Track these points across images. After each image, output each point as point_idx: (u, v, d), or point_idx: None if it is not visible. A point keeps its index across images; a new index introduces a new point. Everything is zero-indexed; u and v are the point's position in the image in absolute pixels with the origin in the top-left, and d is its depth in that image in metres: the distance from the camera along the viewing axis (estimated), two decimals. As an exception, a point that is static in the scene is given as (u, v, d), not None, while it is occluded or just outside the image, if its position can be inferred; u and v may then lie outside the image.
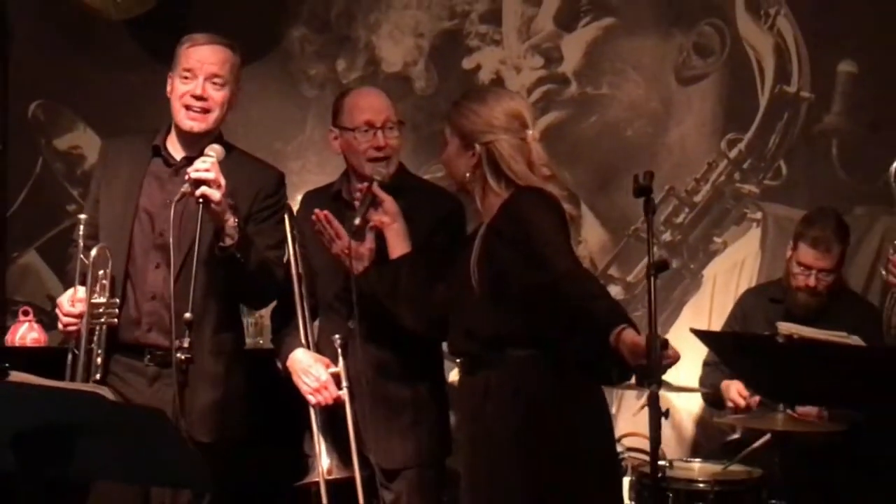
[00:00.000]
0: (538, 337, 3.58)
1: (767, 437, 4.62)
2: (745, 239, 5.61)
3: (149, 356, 3.98)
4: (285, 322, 4.23)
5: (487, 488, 3.62)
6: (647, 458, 4.53)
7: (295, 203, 4.43)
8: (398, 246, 3.81)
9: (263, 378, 4.28)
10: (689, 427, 5.55)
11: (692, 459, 5.04)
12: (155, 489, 3.91)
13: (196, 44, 4.07)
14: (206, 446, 3.81)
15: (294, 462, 4.23)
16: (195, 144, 4.00)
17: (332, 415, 4.10)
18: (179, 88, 4.01)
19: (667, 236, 5.64)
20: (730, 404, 4.87)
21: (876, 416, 4.28)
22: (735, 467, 4.76)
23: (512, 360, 3.59)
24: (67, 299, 3.95)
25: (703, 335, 4.04)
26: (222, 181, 3.78)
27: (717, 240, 5.64)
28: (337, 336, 4.10)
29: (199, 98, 3.99)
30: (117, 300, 3.95)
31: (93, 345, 3.91)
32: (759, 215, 5.59)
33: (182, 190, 3.80)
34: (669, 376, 5.11)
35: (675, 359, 3.45)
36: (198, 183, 3.75)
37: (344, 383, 4.09)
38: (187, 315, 3.71)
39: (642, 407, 3.55)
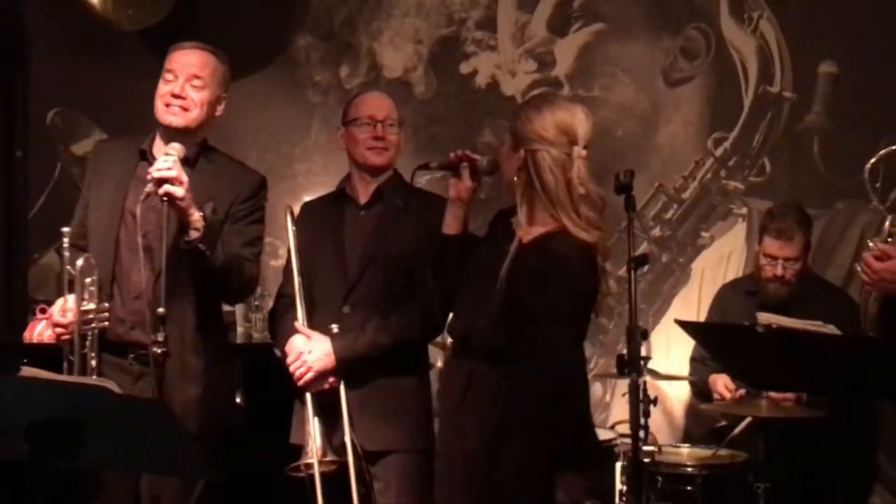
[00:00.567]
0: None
1: (748, 420, 4.63)
2: (731, 233, 5.62)
3: (132, 355, 3.96)
4: (285, 314, 4.22)
5: (459, 477, 3.62)
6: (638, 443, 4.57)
7: (297, 203, 4.46)
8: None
9: (266, 369, 4.30)
10: (679, 414, 5.55)
11: (681, 445, 5.05)
12: (145, 477, 3.90)
13: (181, 48, 4.08)
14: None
15: (283, 453, 4.23)
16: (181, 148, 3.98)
17: (323, 402, 4.08)
18: (161, 89, 4.01)
19: (656, 231, 5.65)
20: (716, 397, 4.88)
21: (850, 401, 4.29)
22: (722, 452, 4.78)
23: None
24: (58, 310, 3.94)
25: (687, 326, 4.04)
26: (184, 177, 3.76)
27: (705, 234, 5.64)
28: (334, 325, 4.09)
29: (178, 97, 3.98)
30: (106, 304, 3.94)
31: (85, 349, 3.88)
32: (744, 210, 5.59)
33: (147, 189, 3.78)
34: (658, 365, 5.17)
35: None
36: (161, 182, 3.73)
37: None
38: (160, 310, 3.71)
39: (624, 395, 3.56)
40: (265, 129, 6.11)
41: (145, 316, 3.89)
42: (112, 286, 3.99)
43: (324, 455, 4.03)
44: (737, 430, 4.74)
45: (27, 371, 3.46)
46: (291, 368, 4.06)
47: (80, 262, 3.90)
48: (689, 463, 4.75)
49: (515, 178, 3.59)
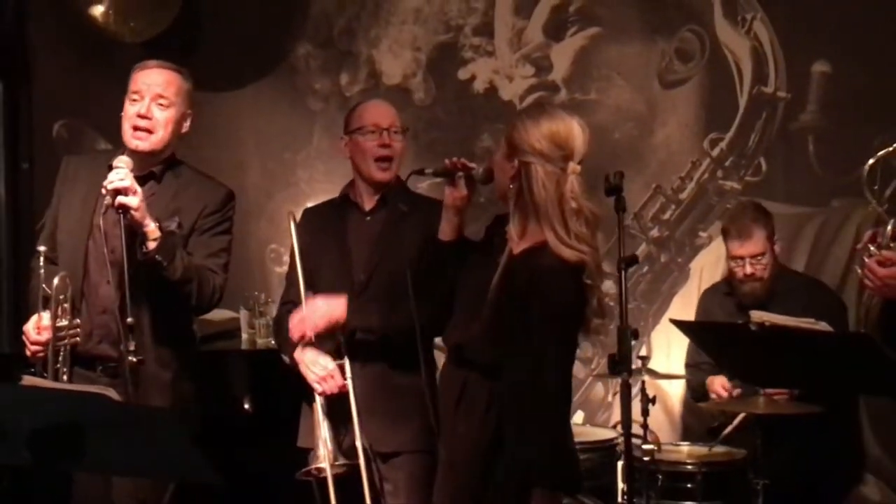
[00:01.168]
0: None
1: (742, 416, 4.64)
2: (728, 233, 5.61)
3: (100, 367, 3.99)
4: (286, 323, 4.23)
5: (453, 486, 3.61)
6: (638, 442, 4.59)
7: (300, 209, 4.47)
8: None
9: (271, 375, 4.31)
10: (679, 412, 5.55)
11: (681, 443, 5.05)
12: (116, 479, 3.89)
13: (145, 68, 4.09)
14: None
15: (288, 457, 4.24)
16: (145, 163, 4.01)
17: (331, 406, 4.09)
18: (128, 110, 4.03)
19: (654, 232, 5.65)
20: (713, 397, 4.90)
21: (842, 396, 4.30)
22: (720, 449, 4.78)
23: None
24: (33, 327, 3.95)
25: (682, 325, 4.06)
26: (137, 188, 3.79)
27: (703, 234, 5.64)
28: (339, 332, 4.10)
29: (144, 117, 4.00)
30: (78, 321, 3.96)
31: (58, 365, 3.90)
32: (727, 211, 5.56)
33: (105, 203, 3.82)
34: (659, 364, 5.18)
35: None
36: (116, 193, 3.76)
37: (349, 374, 4.09)
38: (129, 319, 3.71)
39: (615, 394, 3.57)
40: (267, 137, 6.13)
41: (111, 330, 3.94)
42: (80, 300, 4.01)
43: (335, 459, 4.04)
44: (731, 427, 4.75)
45: (28, 380, 3.49)
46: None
47: (55, 280, 3.91)
48: (688, 461, 4.76)
49: (510, 187, 3.55)
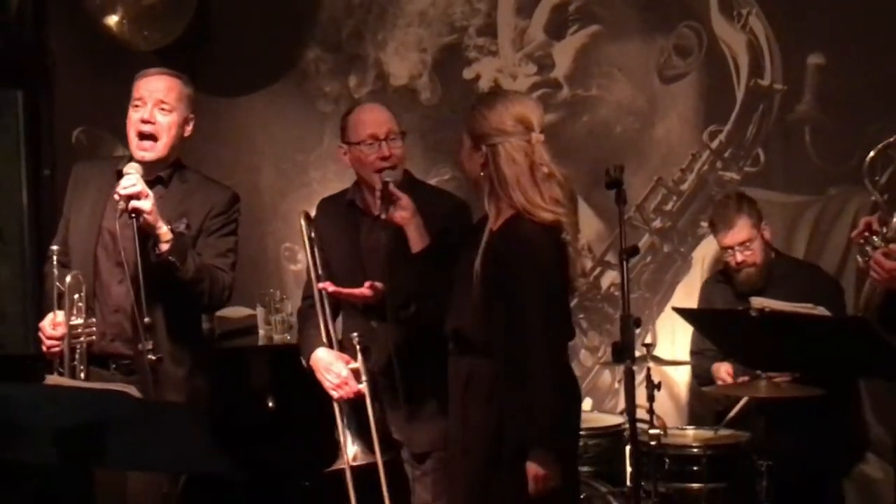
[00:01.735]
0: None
1: (745, 399, 4.63)
2: (729, 222, 5.59)
3: (114, 366, 4.01)
4: (307, 322, 4.24)
5: (463, 472, 3.64)
6: (645, 427, 4.59)
7: (313, 208, 4.47)
8: (418, 240, 3.79)
9: (287, 370, 4.32)
10: (685, 397, 5.54)
11: (686, 427, 5.05)
12: (132, 472, 3.91)
13: (147, 75, 4.11)
14: None
15: (306, 450, 4.26)
16: (152, 169, 4.03)
17: (355, 405, 4.10)
18: (132, 117, 4.06)
19: (657, 223, 5.64)
20: (719, 382, 4.89)
21: (840, 379, 4.29)
22: (725, 432, 4.78)
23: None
24: (49, 324, 3.97)
25: (684, 313, 4.06)
26: (148, 192, 3.82)
27: (704, 224, 5.60)
28: (355, 334, 4.09)
29: (147, 122, 4.02)
30: (94, 319, 3.97)
31: (75, 362, 3.91)
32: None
33: (119, 208, 3.84)
34: (664, 351, 5.18)
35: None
36: (128, 198, 3.79)
37: (363, 377, 4.10)
38: (147, 320, 3.75)
39: (620, 381, 3.56)
40: (280, 140, 6.14)
41: (125, 328, 3.98)
42: (93, 301, 4.03)
43: (355, 459, 4.07)
44: (735, 410, 4.74)
45: (51, 379, 3.50)
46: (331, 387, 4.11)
47: (68, 278, 3.93)
48: (694, 444, 4.75)
49: (482, 174, 3.61)
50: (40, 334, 4.01)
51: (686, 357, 5.21)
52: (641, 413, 4.80)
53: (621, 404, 5.47)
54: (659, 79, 5.67)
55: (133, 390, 3.10)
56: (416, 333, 4.01)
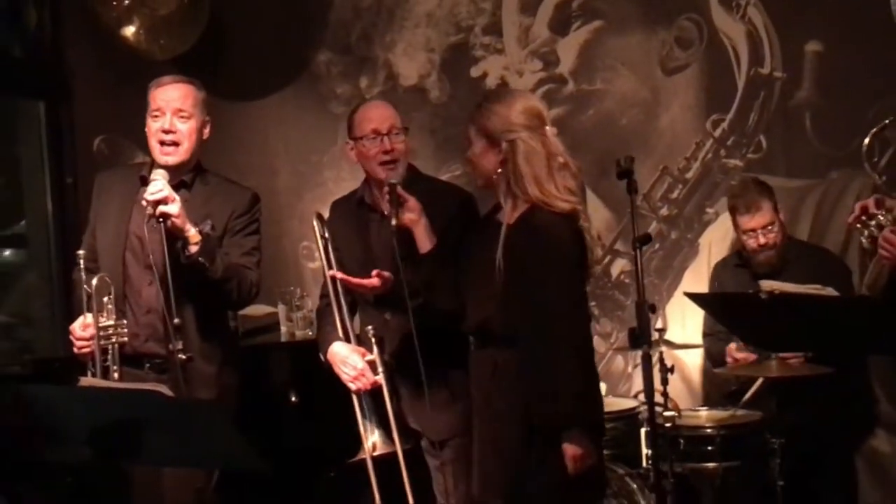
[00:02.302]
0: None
1: (761, 380, 4.62)
2: (734, 208, 5.58)
3: (148, 365, 4.03)
4: (325, 319, 4.25)
5: (496, 463, 3.62)
6: (659, 409, 4.59)
7: (328, 208, 4.47)
8: (426, 241, 3.78)
9: (311, 364, 4.33)
10: (696, 379, 5.53)
11: (699, 408, 5.03)
12: (166, 469, 3.93)
13: (161, 85, 4.13)
14: None
15: (327, 441, 4.26)
16: (175, 173, 4.05)
17: (373, 397, 4.11)
18: (152, 127, 4.08)
19: (664, 211, 5.62)
20: (730, 361, 4.88)
21: (850, 357, 4.27)
22: (738, 412, 4.77)
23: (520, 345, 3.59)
24: (79, 326, 3.99)
25: (696, 297, 4.05)
26: (175, 196, 3.85)
27: (710, 210, 5.61)
28: (370, 327, 4.11)
29: (168, 131, 4.04)
30: (125, 321, 3.99)
31: (107, 363, 3.93)
32: (729, 190, 5.53)
33: (147, 213, 3.86)
34: (675, 335, 5.16)
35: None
36: (156, 204, 3.81)
37: (380, 369, 4.10)
38: (176, 320, 3.77)
39: (637, 365, 3.55)
40: (294, 142, 6.14)
41: (158, 329, 4.00)
42: (124, 303, 4.06)
43: (375, 449, 4.07)
44: (751, 392, 4.73)
45: (85, 381, 3.50)
46: (349, 379, 4.10)
47: (95, 280, 3.95)
48: (707, 424, 4.75)
49: (499, 171, 3.60)
50: (71, 336, 4.03)
51: (696, 340, 5.20)
52: (656, 396, 4.81)
53: (634, 388, 5.47)
54: (661, 71, 5.65)
55: (165, 389, 3.11)
56: (429, 323, 3.99)
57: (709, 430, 4.68)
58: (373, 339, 4.11)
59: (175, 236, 3.86)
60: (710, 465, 4.65)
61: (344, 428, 4.24)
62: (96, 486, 4.59)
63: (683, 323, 5.42)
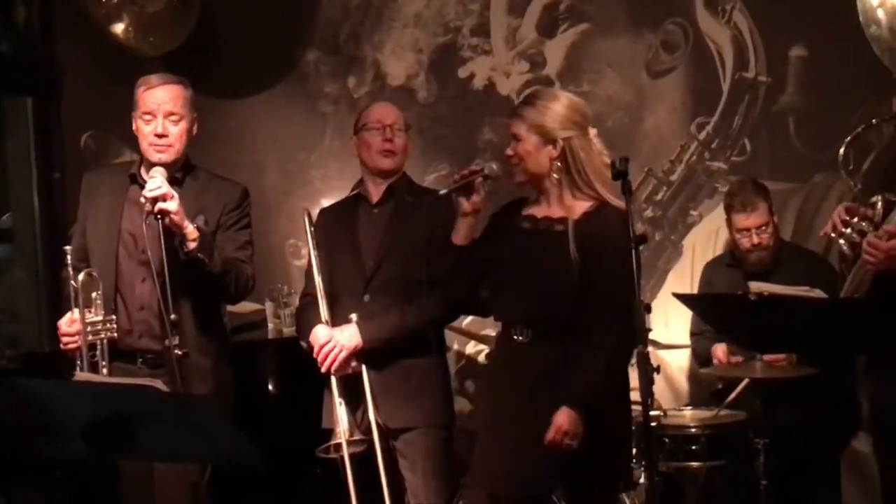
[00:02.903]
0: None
1: (746, 381, 4.61)
2: (717, 210, 5.53)
3: (141, 360, 4.00)
4: (309, 312, 4.23)
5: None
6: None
7: (315, 205, 4.47)
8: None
9: (298, 362, 4.30)
10: (680, 380, 5.52)
11: (684, 408, 5.02)
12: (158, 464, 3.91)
13: (151, 87, 4.08)
14: None
15: (312, 436, 4.22)
16: (166, 171, 4.01)
17: (348, 386, 4.10)
18: (143, 129, 4.05)
19: (648, 212, 5.62)
20: (716, 362, 4.87)
21: (837, 359, 4.27)
22: (722, 412, 4.76)
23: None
24: (66, 322, 3.96)
25: (684, 298, 4.04)
26: (174, 193, 3.84)
27: (694, 213, 5.61)
28: (353, 315, 4.09)
29: (161, 135, 4.01)
30: (114, 317, 3.96)
31: (96, 358, 3.89)
32: (727, 189, 5.54)
33: (146, 210, 3.83)
34: (659, 335, 5.14)
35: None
36: (154, 201, 3.78)
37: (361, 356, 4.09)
38: (173, 316, 3.76)
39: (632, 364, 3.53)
40: (282, 140, 6.10)
41: (152, 325, 3.98)
42: (116, 300, 4.03)
43: (351, 435, 4.03)
44: (735, 392, 4.72)
45: (80, 375, 3.46)
46: (324, 352, 4.04)
47: (81, 276, 3.92)
48: (692, 424, 4.73)
49: (554, 168, 3.61)
50: (59, 333, 3.99)
51: (679, 341, 5.19)
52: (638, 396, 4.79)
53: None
54: (647, 74, 5.65)
55: (160, 384, 3.08)
56: (413, 333, 4.07)
57: (693, 430, 4.67)
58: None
59: (173, 233, 3.82)
60: (695, 464, 4.64)
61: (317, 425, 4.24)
62: (86, 480, 4.55)
63: (667, 323, 5.40)
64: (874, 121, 3.92)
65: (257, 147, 6.10)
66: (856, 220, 3.67)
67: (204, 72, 5.67)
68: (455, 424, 4.24)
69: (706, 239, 5.57)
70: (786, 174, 5.42)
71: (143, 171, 4.10)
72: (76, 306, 3.93)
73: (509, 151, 3.69)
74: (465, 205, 3.66)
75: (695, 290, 5.24)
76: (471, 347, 5.61)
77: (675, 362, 5.49)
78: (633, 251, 3.25)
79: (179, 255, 3.85)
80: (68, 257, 3.99)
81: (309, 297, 4.26)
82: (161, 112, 4.02)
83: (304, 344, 4.21)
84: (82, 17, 5.79)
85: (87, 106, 6.05)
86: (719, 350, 4.87)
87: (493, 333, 4.29)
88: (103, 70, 5.96)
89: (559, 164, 3.61)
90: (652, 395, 4.46)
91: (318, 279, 4.17)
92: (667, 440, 4.64)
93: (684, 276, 5.52)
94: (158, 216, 3.79)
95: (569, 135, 3.60)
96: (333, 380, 4.10)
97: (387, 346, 4.03)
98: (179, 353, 3.76)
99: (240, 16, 6.04)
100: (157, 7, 5.68)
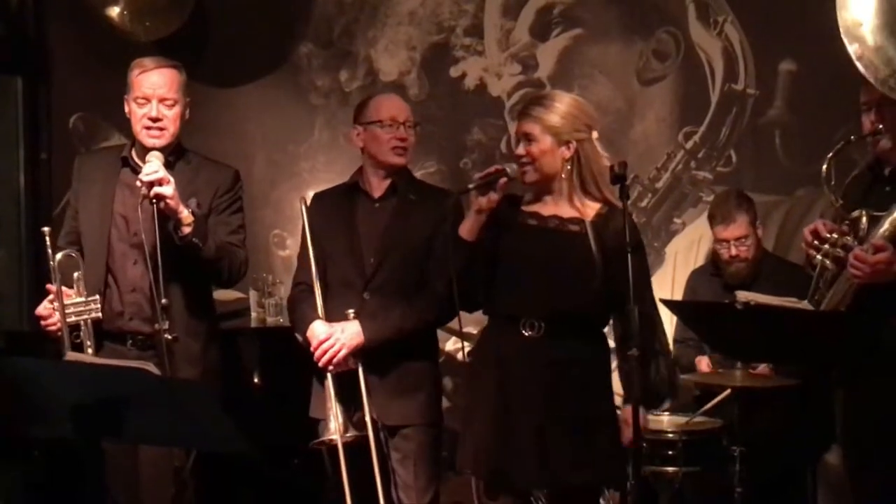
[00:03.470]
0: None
1: (727, 391, 4.61)
2: (701, 220, 5.54)
3: (131, 341, 3.97)
4: (301, 304, 4.15)
5: (571, 442, 3.58)
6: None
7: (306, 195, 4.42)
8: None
9: (280, 351, 4.27)
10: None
11: (661, 413, 5.00)
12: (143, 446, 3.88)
13: (145, 70, 4.04)
14: None
15: (296, 426, 4.18)
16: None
17: (342, 381, 4.03)
18: (137, 112, 4.02)
19: (633, 218, 5.61)
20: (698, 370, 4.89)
21: (820, 370, 4.27)
22: (698, 419, 4.75)
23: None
24: (42, 307, 3.95)
25: (672, 305, 4.02)
26: (170, 178, 3.80)
27: (677, 221, 5.62)
28: (351, 311, 4.02)
29: (156, 119, 3.98)
30: (97, 297, 3.92)
31: (80, 339, 3.86)
32: (712, 198, 5.55)
33: (142, 194, 3.80)
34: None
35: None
36: (150, 185, 3.75)
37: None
38: (164, 301, 3.74)
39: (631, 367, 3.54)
40: (272, 131, 6.06)
41: (142, 307, 3.94)
42: (107, 282, 3.99)
43: (345, 431, 3.99)
44: (716, 400, 4.71)
45: (71, 356, 3.42)
46: (322, 348, 3.98)
47: (59, 256, 3.91)
48: (669, 429, 4.72)
49: (563, 170, 3.61)
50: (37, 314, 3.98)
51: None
52: (618, 400, 4.78)
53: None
54: (638, 81, 5.65)
55: (152, 367, 3.04)
56: (413, 333, 4.02)
57: (671, 435, 4.66)
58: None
59: (167, 217, 3.79)
60: (671, 469, 4.62)
61: (303, 414, 4.18)
62: (65, 460, 4.51)
63: (648, 329, 5.40)
64: (852, 138, 3.92)
65: (246, 137, 6.06)
66: (834, 235, 3.68)
67: (196, 60, 5.61)
68: (443, 422, 4.19)
69: (688, 247, 5.58)
70: (770, 186, 5.43)
71: (134, 154, 4.06)
72: (55, 286, 3.90)
73: (521, 151, 3.65)
74: (482, 202, 3.62)
75: (677, 298, 5.24)
76: (450, 345, 5.58)
77: (653, 368, 5.48)
78: (629, 257, 3.24)
79: (174, 240, 3.82)
80: (47, 238, 3.96)
81: (303, 285, 4.16)
82: (156, 96, 3.99)
83: (299, 337, 4.12)
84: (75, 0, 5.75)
85: (77, 88, 6.02)
86: (703, 364, 4.88)
87: (475, 331, 4.24)
88: (94, 53, 5.93)
89: (570, 164, 3.60)
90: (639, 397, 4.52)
91: (314, 273, 4.09)
92: (644, 444, 4.61)
93: (665, 282, 5.52)
94: (154, 200, 3.75)
95: (582, 136, 3.60)
96: (329, 376, 4.03)
97: (387, 345, 3.98)
98: (169, 337, 3.73)
99: (235, 6, 6.01)
100: (153, -9, 5.65)
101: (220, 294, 5.26)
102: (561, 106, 3.61)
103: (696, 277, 5.21)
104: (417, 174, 5.49)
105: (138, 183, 3.81)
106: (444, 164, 5.79)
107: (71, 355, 3.57)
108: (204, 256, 3.88)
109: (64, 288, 3.92)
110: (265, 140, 6.06)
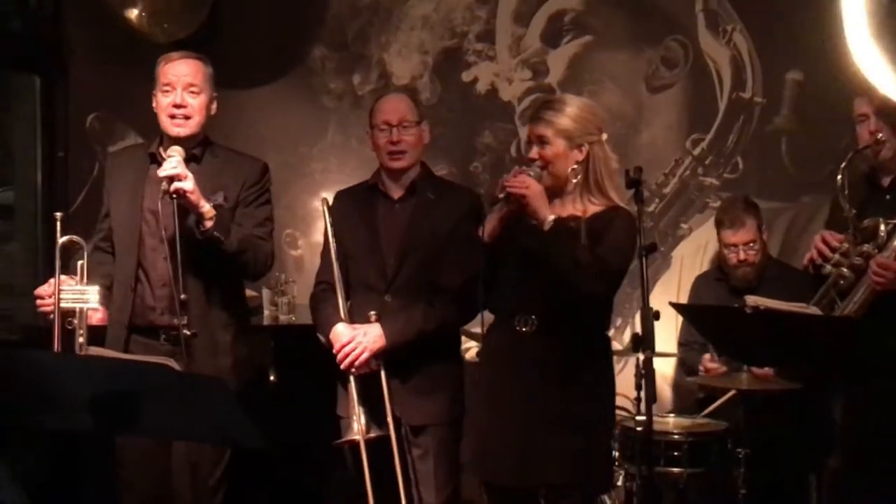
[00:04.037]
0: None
1: (732, 392, 4.60)
2: (707, 225, 5.56)
3: (164, 336, 3.94)
4: (324, 303, 4.14)
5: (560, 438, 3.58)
6: (628, 414, 4.57)
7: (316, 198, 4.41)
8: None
9: (294, 349, 4.25)
10: (663, 387, 5.51)
11: (667, 415, 5.00)
12: (180, 445, 3.87)
13: (171, 60, 4.05)
14: None
15: (328, 424, 4.17)
16: (184, 146, 3.97)
17: (365, 382, 4.02)
18: (162, 101, 4.00)
19: (640, 223, 5.62)
20: (702, 370, 4.87)
21: (827, 374, 4.27)
22: (704, 420, 4.75)
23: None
24: (44, 287, 3.92)
25: (681, 308, 4.03)
26: (189, 173, 3.79)
27: (684, 226, 5.62)
28: (372, 312, 4.01)
29: (179, 106, 3.96)
30: (97, 287, 3.86)
31: (74, 326, 3.81)
32: (719, 204, 5.54)
33: (162, 189, 3.78)
34: (645, 343, 5.12)
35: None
36: (171, 180, 3.74)
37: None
38: (182, 296, 3.74)
39: (644, 369, 3.52)
40: (285, 132, 6.06)
41: (173, 301, 3.89)
42: (138, 276, 3.97)
43: (367, 432, 3.98)
44: (720, 402, 4.71)
45: (93, 350, 3.41)
46: (345, 351, 3.97)
47: (62, 240, 3.85)
48: (675, 431, 4.71)
49: (574, 172, 3.61)
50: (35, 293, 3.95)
51: (666, 349, 5.17)
52: (623, 400, 4.79)
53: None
54: (646, 88, 5.66)
55: (173, 363, 3.04)
56: (434, 334, 3.99)
57: (676, 437, 4.65)
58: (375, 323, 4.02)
59: (188, 212, 3.78)
60: (676, 469, 4.60)
61: (323, 412, 4.17)
62: (75, 452, 4.50)
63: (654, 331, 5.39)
64: (859, 148, 3.92)
65: (260, 138, 6.04)
66: (845, 245, 3.68)
67: (211, 62, 5.58)
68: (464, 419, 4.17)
69: (694, 252, 5.58)
70: (775, 193, 5.44)
71: (161, 150, 4.03)
72: (70, 276, 3.86)
73: (534, 154, 3.64)
74: (512, 208, 3.61)
75: (682, 299, 5.24)
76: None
77: (659, 370, 5.46)
78: (643, 260, 3.24)
79: (195, 234, 3.80)
80: (58, 224, 3.89)
81: (324, 284, 4.15)
82: (181, 84, 3.98)
83: (321, 338, 4.10)
84: (94, 0, 5.74)
85: (95, 87, 6.01)
86: (706, 360, 4.86)
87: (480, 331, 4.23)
88: (112, 53, 5.91)
89: (580, 168, 3.60)
90: (640, 399, 4.53)
91: (337, 274, 4.08)
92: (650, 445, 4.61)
93: (671, 287, 5.53)
94: (174, 195, 3.74)
95: (593, 139, 3.60)
96: (352, 378, 4.01)
97: (409, 347, 3.96)
98: (188, 333, 3.72)
99: (250, 9, 6.00)
100: (171, -6, 5.64)
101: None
102: (572, 109, 3.61)
103: (701, 282, 5.21)
104: (443, 171, 5.52)
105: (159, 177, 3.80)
106: (454, 167, 5.78)
107: (93, 349, 3.55)
108: (226, 250, 3.85)
109: (65, 276, 3.86)
110: (278, 141, 6.05)
